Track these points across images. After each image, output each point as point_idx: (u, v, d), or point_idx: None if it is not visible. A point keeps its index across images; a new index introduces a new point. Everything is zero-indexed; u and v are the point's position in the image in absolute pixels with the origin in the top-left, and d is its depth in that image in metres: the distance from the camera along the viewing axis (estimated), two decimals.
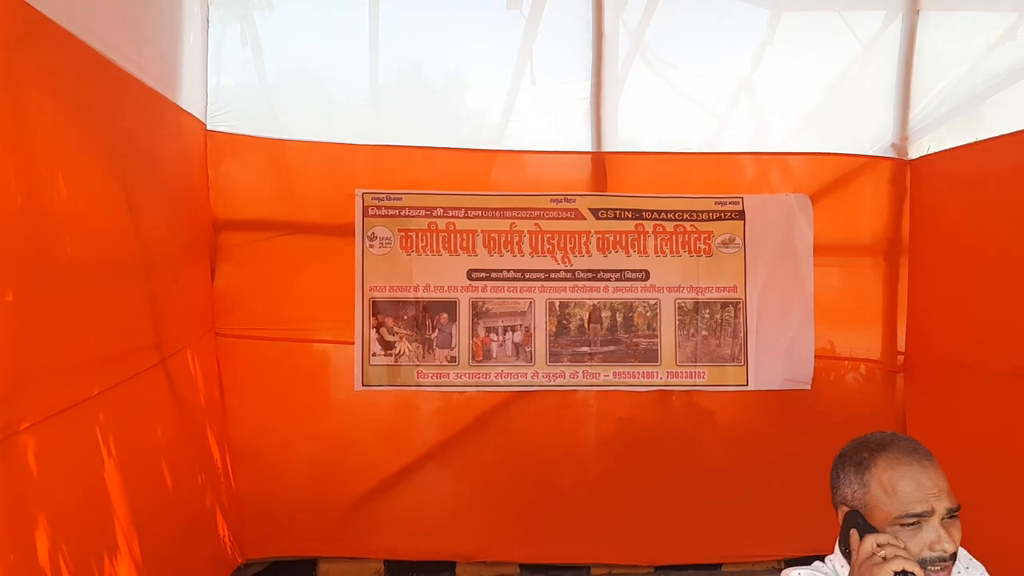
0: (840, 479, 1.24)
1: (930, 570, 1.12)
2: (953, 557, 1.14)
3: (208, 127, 2.90)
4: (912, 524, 1.13)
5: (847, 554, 1.19)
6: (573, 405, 3.21)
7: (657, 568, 3.21)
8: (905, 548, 1.10)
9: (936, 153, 3.07)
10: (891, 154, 3.18)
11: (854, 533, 1.16)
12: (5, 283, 1.40)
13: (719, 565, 3.22)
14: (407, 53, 3.26)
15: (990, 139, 2.81)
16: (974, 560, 1.32)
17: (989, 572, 1.32)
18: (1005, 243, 2.68)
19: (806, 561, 1.31)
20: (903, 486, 1.14)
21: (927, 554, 1.12)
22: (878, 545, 1.10)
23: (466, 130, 3.25)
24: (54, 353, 1.57)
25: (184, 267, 2.58)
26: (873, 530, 1.14)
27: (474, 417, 3.15)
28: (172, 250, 2.44)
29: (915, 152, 3.16)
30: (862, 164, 3.20)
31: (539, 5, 3.13)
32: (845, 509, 1.22)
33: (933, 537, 1.12)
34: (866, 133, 3.21)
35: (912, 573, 1.06)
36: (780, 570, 1.33)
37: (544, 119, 3.23)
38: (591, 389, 3.19)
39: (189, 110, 2.69)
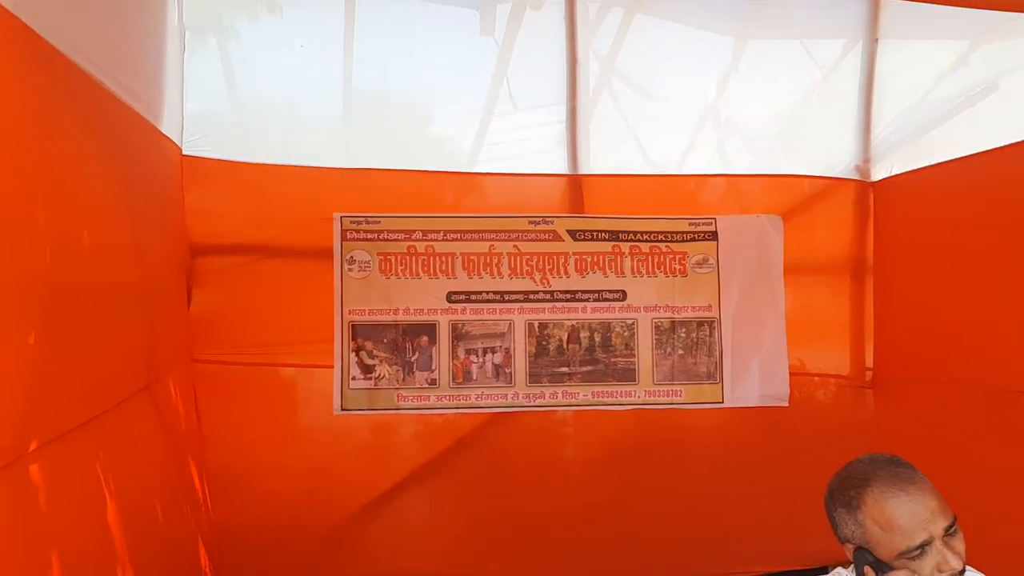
0: (836, 520, 1.34)
1: None
2: (962, 572, 1.25)
3: (184, 152, 3.01)
4: (917, 553, 1.24)
5: None
6: (553, 425, 3.37)
7: None
8: None
9: (897, 175, 3.36)
10: (855, 176, 3.47)
11: (868, 572, 1.28)
12: (28, 326, 1.50)
13: None
14: (383, 77, 3.41)
15: (947, 162, 3.09)
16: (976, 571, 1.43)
17: None
18: (964, 261, 2.95)
19: None
20: (898, 520, 1.24)
21: (937, 575, 1.24)
22: None
23: (443, 153, 3.42)
24: (54, 380, 1.65)
25: (164, 293, 2.68)
26: (886, 566, 1.25)
27: (455, 439, 3.29)
28: (155, 276, 2.54)
29: (877, 174, 3.45)
30: (828, 186, 3.47)
31: (512, 32, 3.33)
32: (851, 546, 1.33)
33: (939, 559, 1.23)
34: (831, 156, 3.48)
35: None
36: None
37: (520, 142, 3.42)
38: (570, 409, 3.36)
39: (167, 134, 2.80)
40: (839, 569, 1.41)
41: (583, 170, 3.42)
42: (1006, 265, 2.73)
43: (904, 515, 1.25)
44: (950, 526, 1.25)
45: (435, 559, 3.25)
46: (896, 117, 3.41)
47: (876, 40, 3.39)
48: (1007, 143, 2.76)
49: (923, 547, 1.24)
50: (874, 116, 3.44)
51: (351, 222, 3.25)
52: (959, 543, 1.27)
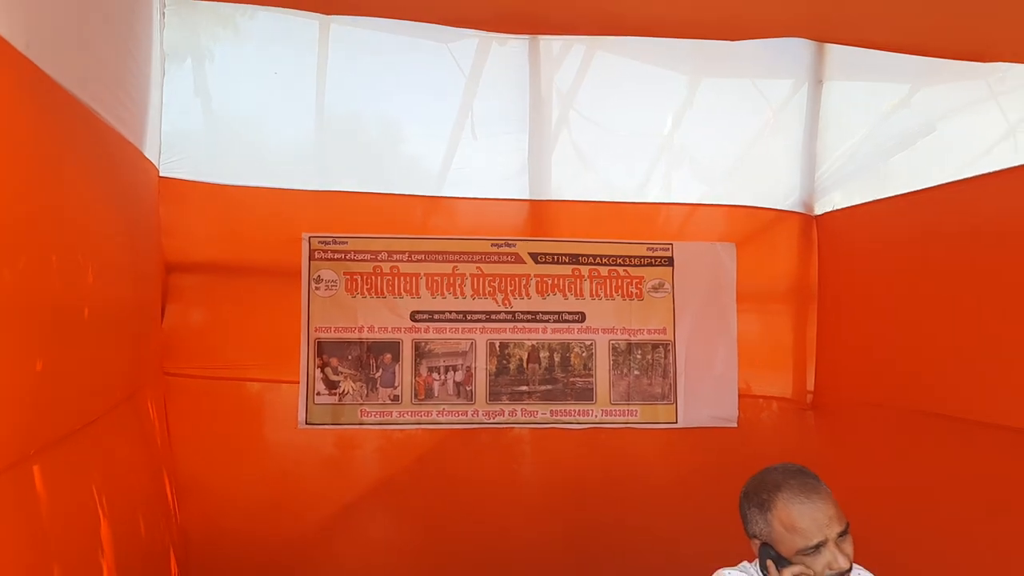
0: (748, 517, 1.61)
1: None
2: (849, 571, 1.52)
3: (160, 173, 3.21)
4: (812, 551, 1.50)
5: None
6: (511, 442, 3.61)
7: None
8: (815, 574, 1.49)
9: (839, 210, 3.67)
10: (801, 209, 3.77)
11: (771, 565, 1.56)
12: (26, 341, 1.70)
13: None
14: (353, 101, 3.65)
15: (885, 199, 3.39)
16: (864, 570, 1.74)
17: None
18: (899, 291, 3.24)
19: None
20: (800, 523, 1.50)
21: (827, 572, 1.50)
22: None
23: (410, 177, 3.64)
24: (49, 391, 1.83)
25: (143, 308, 2.88)
26: (785, 561, 1.52)
27: (416, 455, 3.51)
28: (136, 292, 2.74)
29: (820, 208, 3.77)
30: (776, 217, 3.78)
31: (479, 65, 3.59)
32: (757, 541, 1.60)
33: (830, 558, 1.49)
34: (779, 189, 3.79)
35: None
36: None
37: (484, 168, 3.67)
38: (529, 427, 3.60)
39: (147, 156, 3.01)
40: (721, 570, 1.66)
41: (545, 196, 3.68)
42: (936, 296, 3.03)
43: (806, 519, 1.50)
44: (843, 531, 1.51)
45: (396, 572, 3.45)
46: (840, 155, 3.73)
47: (821, 81, 3.71)
48: (941, 183, 3.04)
49: (818, 547, 1.50)
50: (819, 153, 3.75)
51: (319, 242, 3.47)
52: (848, 546, 1.53)
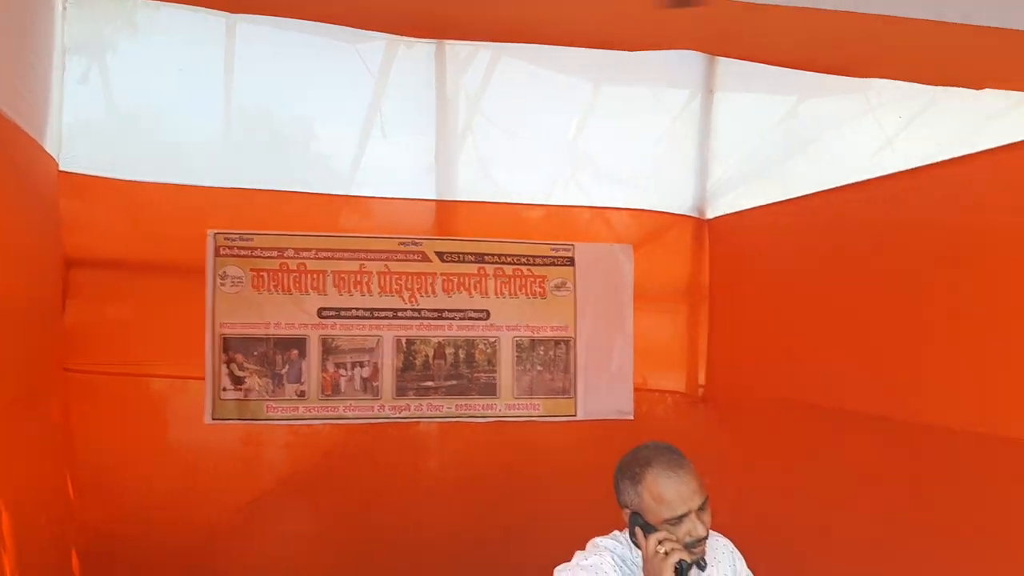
0: (621, 488, 1.78)
1: (692, 551, 1.70)
2: (706, 538, 1.72)
3: (61, 167, 3.19)
4: (676, 521, 1.69)
5: (637, 545, 1.75)
6: (417, 436, 3.73)
7: None
8: (677, 540, 1.68)
9: (728, 214, 3.91)
10: (694, 214, 4.00)
11: (639, 531, 1.74)
12: None
13: None
14: (261, 98, 3.68)
15: (773, 203, 3.63)
16: (721, 537, 1.94)
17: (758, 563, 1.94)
18: (783, 291, 3.49)
19: None
20: (667, 495, 1.68)
21: (688, 539, 1.69)
22: (659, 542, 1.68)
23: (317, 175, 3.69)
24: None
25: (40, 303, 2.87)
26: (652, 528, 1.70)
27: (323, 449, 3.59)
28: (32, 287, 2.74)
29: (712, 212, 4.00)
30: (671, 221, 4.00)
31: (387, 67, 3.68)
32: (628, 511, 1.77)
33: (691, 527, 1.68)
34: (675, 194, 4.01)
35: (685, 561, 1.66)
36: None
37: (393, 168, 3.76)
38: (435, 421, 3.72)
39: (47, 149, 3.00)
40: (596, 539, 1.83)
41: (452, 197, 3.80)
42: (818, 294, 3.27)
43: (672, 492, 1.69)
44: (703, 503, 1.70)
45: (302, 566, 3.52)
46: (731, 163, 3.98)
47: (712, 92, 3.94)
48: (824, 189, 3.27)
49: (682, 517, 1.69)
50: (711, 160, 3.99)
51: (224, 239, 3.51)
52: (707, 516, 1.74)
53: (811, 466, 3.27)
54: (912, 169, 2.86)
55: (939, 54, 2.57)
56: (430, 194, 3.79)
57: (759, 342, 3.69)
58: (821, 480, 3.18)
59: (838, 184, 3.22)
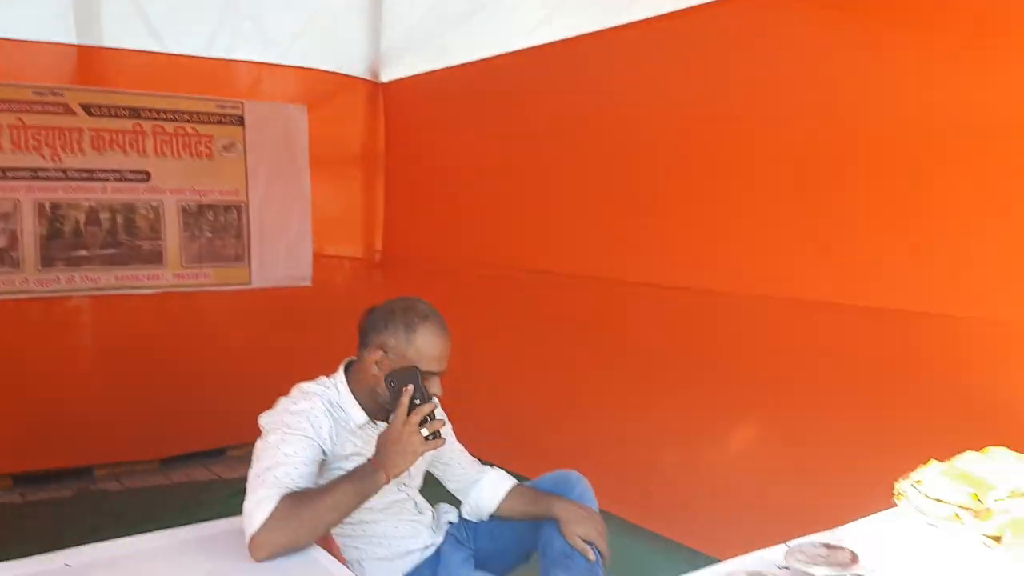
0: (387, 329, 1.77)
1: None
2: (439, 396, 1.83)
3: None
4: (429, 376, 1.73)
5: (392, 389, 1.71)
6: (69, 312, 3.38)
7: (163, 461, 3.62)
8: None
9: (402, 78, 3.96)
10: (368, 76, 3.99)
11: (410, 389, 1.68)
12: None
13: (223, 449, 3.75)
14: None
15: (445, 68, 3.74)
16: None
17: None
18: (453, 157, 3.67)
19: None
20: (433, 352, 1.75)
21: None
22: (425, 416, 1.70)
23: None
24: None
25: None
26: (406, 372, 1.70)
27: None
28: None
29: (386, 76, 4.02)
30: (346, 82, 3.96)
31: None
32: (380, 352, 1.76)
33: (435, 386, 1.76)
34: (348, 55, 3.94)
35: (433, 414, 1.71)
36: None
37: (21, 4, 3.21)
38: (89, 294, 3.38)
39: None
40: (300, 384, 1.85)
41: (96, 42, 3.35)
42: (483, 160, 3.49)
43: (437, 350, 1.78)
44: (445, 368, 1.83)
45: None
46: (404, 27, 3.97)
47: None
48: (492, 55, 3.44)
49: (435, 374, 1.78)
50: (385, 23, 3.96)
51: None
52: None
53: (491, 321, 3.55)
54: (566, 39, 3.10)
55: None
56: (69, 37, 3.29)
57: (432, 207, 3.86)
58: (500, 332, 3.48)
59: (503, 51, 3.40)
